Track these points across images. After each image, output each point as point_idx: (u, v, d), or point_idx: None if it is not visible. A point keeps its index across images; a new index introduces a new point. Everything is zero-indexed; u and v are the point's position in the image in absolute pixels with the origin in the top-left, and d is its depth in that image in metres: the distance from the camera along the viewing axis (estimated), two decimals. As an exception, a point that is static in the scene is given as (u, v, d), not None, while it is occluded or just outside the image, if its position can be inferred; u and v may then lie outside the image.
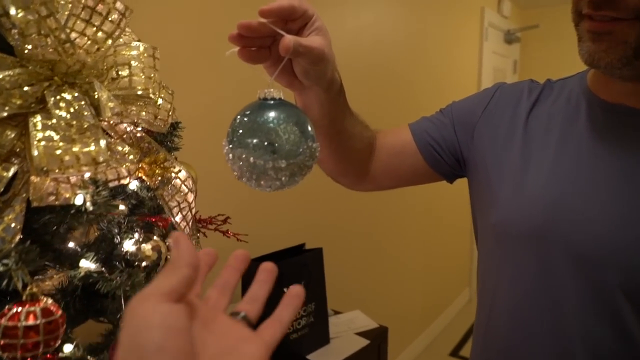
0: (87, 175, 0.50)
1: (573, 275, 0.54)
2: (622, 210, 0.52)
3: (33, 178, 0.47)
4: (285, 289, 0.34)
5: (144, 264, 0.63)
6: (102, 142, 0.48)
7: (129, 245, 0.62)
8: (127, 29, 0.62)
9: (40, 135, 0.45)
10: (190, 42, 1.16)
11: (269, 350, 0.29)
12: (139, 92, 0.55)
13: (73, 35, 0.51)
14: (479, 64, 3.06)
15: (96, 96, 0.50)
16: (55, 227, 0.54)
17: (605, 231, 0.52)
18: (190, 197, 0.67)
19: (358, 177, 0.72)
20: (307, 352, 1.29)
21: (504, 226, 0.61)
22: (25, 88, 0.46)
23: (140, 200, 0.63)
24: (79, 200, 0.48)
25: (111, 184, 0.53)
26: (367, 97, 1.92)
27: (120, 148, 0.54)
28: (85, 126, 0.48)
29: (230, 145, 0.44)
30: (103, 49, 0.53)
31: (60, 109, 0.47)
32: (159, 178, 0.60)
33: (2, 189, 0.47)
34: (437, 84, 2.53)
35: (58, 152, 0.45)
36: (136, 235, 0.62)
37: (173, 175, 0.63)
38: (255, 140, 0.43)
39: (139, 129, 0.62)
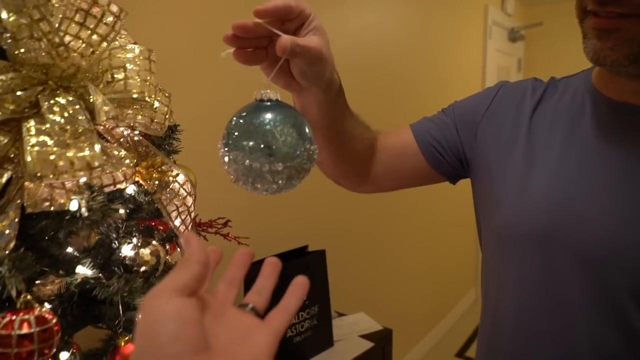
0: (82, 180, 0.49)
1: (578, 276, 0.53)
2: (627, 212, 0.51)
3: (27, 184, 0.46)
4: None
5: (142, 268, 0.62)
6: (97, 147, 0.47)
7: (127, 250, 0.61)
8: (123, 32, 0.61)
9: (33, 140, 0.45)
10: (190, 43, 1.16)
11: (277, 337, 0.30)
12: (135, 96, 0.55)
13: (67, 38, 0.50)
14: (483, 62, 3.04)
15: (91, 100, 0.49)
16: (52, 233, 0.53)
17: (610, 232, 0.51)
18: (189, 200, 0.67)
19: (359, 179, 0.71)
20: (311, 355, 1.28)
21: (507, 228, 0.60)
22: (18, 93, 0.45)
23: (138, 204, 0.62)
24: (73, 206, 0.48)
25: (107, 189, 0.52)
26: (370, 97, 1.91)
27: (116, 152, 0.54)
28: (80, 130, 0.47)
29: (226, 148, 0.43)
30: (98, 52, 0.52)
31: (54, 113, 0.46)
32: (157, 182, 0.59)
33: (-4, 195, 0.46)
34: (441, 83, 2.51)
35: (52, 157, 0.45)
36: (134, 240, 0.62)
37: (171, 179, 0.62)
38: (251, 143, 0.42)
39: (136, 132, 0.61)
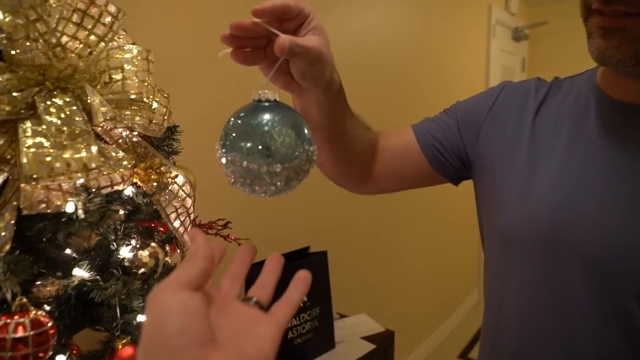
0: (79, 182, 0.48)
1: (581, 278, 0.52)
2: (630, 213, 0.51)
3: (23, 185, 0.46)
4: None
5: (141, 270, 0.62)
6: (94, 148, 0.47)
7: (125, 252, 0.61)
8: (121, 32, 0.61)
9: (30, 141, 0.44)
10: (190, 44, 1.15)
11: (281, 329, 0.31)
12: (133, 96, 0.54)
13: (64, 39, 0.50)
14: (487, 62, 3.02)
15: (88, 101, 0.49)
16: (50, 235, 0.53)
17: (613, 234, 0.51)
18: (189, 202, 0.66)
19: (360, 180, 0.71)
20: (312, 357, 1.27)
21: (510, 230, 0.59)
22: (15, 94, 0.45)
23: (137, 206, 0.62)
24: (70, 208, 0.47)
25: (104, 191, 0.52)
26: (372, 97, 1.90)
27: (114, 154, 0.53)
28: (77, 132, 0.47)
29: (223, 149, 0.42)
30: (95, 53, 0.51)
31: (50, 114, 0.45)
32: (155, 184, 0.58)
33: (-8, 197, 0.46)
34: (444, 83, 2.50)
35: (48, 158, 0.44)
36: (133, 241, 0.61)
37: (170, 180, 0.61)
38: (249, 144, 0.41)
39: (135, 133, 0.60)
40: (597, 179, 0.53)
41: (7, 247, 0.46)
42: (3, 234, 0.46)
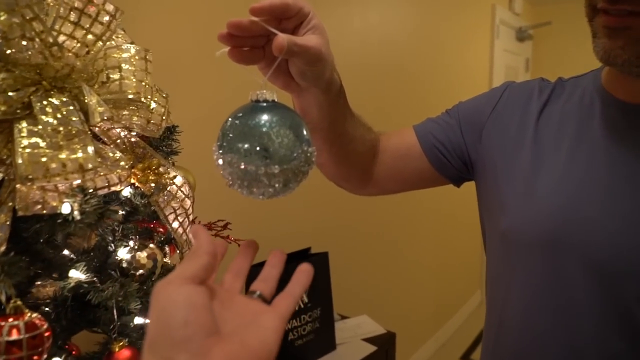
0: (76, 182, 0.48)
1: (584, 280, 0.52)
2: (632, 215, 0.50)
3: (19, 186, 0.45)
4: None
5: (139, 272, 0.61)
6: (90, 149, 0.46)
7: (123, 254, 0.60)
8: (120, 31, 0.60)
9: (25, 142, 0.44)
10: (191, 43, 1.15)
11: (284, 321, 0.32)
12: (130, 96, 0.53)
13: (61, 38, 0.49)
14: (490, 62, 3.01)
15: (86, 101, 0.48)
16: (47, 236, 0.52)
17: (616, 237, 0.50)
18: (187, 203, 0.66)
19: (361, 182, 0.70)
20: (313, 358, 1.27)
21: (513, 232, 0.58)
22: (10, 93, 0.44)
23: (134, 207, 0.61)
24: (65, 209, 0.47)
25: (101, 192, 0.51)
26: (375, 98, 1.89)
27: (111, 154, 0.53)
28: (74, 132, 0.46)
29: (220, 151, 0.42)
30: (93, 52, 0.51)
31: (46, 114, 0.45)
32: (153, 184, 0.58)
33: (-12, 198, 0.46)
34: (447, 83, 2.48)
35: (44, 159, 0.44)
36: (131, 243, 0.61)
37: (168, 181, 0.61)
38: (246, 145, 0.40)
39: (133, 133, 0.60)
40: (600, 181, 0.53)
41: (2, 248, 0.46)
42: (-2, 235, 0.45)
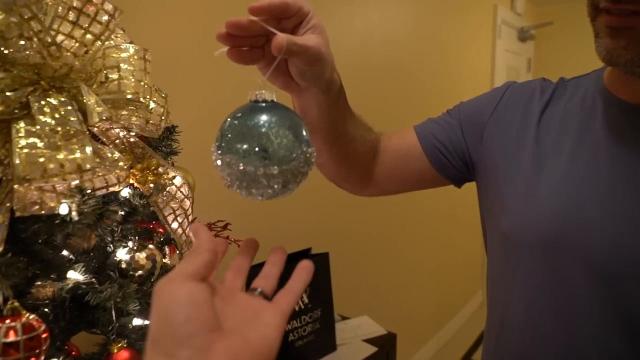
0: (74, 183, 0.47)
1: (585, 281, 0.52)
2: (632, 215, 0.50)
3: (17, 187, 0.45)
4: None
5: (138, 273, 0.61)
6: (88, 149, 0.46)
7: (122, 254, 0.60)
8: (119, 31, 0.60)
9: (23, 142, 0.43)
10: (191, 43, 1.15)
11: (285, 317, 0.32)
12: (129, 96, 0.53)
13: (60, 37, 0.49)
14: (492, 62, 3.00)
15: (84, 101, 0.48)
16: (45, 236, 0.52)
17: (616, 237, 0.50)
18: (187, 203, 0.65)
19: (361, 182, 0.70)
20: (313, 359, 1.26)
21: (514, 234, 0.58)
22: (8, 93, 0.44)
23: (133, 207, 0.61)
24: (63, 210, 0.46)
25: (99, 192, 0.51)
26: (376, 98, 1.89)
27: (109, 154, 0.52)
28: (72, 132, 0.46)
29: (219, 151, 0.41)
30: (92, 52, 0.51)
31: (44, 114, 0.45)
32: (152, 185, 0.57)
33: (-14, 198, 0.45)
34: (449, 83, 2.48)
35: (41, 159, 0.43)
36: (130, 243, 0.60)
37: (167, 181, 0.60)
38: (245, 146, 0.40)
39: (132, 133, 0.60)
40: (602, 181, 0.52)
41: (0, 249, 0.45)
42: (-5, 235, 0.45)
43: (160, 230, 0.73)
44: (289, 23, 0.44)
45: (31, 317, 0.47)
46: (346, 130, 0.59)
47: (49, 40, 0.46)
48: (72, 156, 0.45)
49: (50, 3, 0.49)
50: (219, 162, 0.42)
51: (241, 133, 0.40)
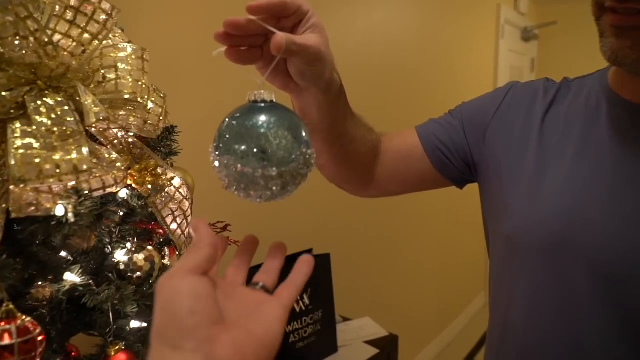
0: (70, 184, 0.47)
1: (587, 282, 0.51)
2: (632, 216, 0.49)
3: (12, 188, 0.45)
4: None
5: (136, 274, 0.60)
6: (85, 150, 0.45)
7: (120, 256, 0.59)
8: (117, 30, 0.59)
9: (18, 142, 0.43)
10: (192, 43, 1.14)
11: (287, 310, 0.33)
12: (126, 96, 0.53)
13: (57, 37, 0.48)
14: (495, 62, 2.98)
15: (81, 101, 0.48)
16: (43, 238, 0.52)
17: (618, 238, 0.49)
18: (186, 204, 0.65)
19: (362, 183, 0.69)
20: (314, 361, 1.26)
21: (517, 237, 0.57)
22: (4, 93, 0.43)
23: (131, 208, 0.60)
24: (59, 211, 0.46)
25: (96, 193, 0.50)
26: (379, 98, 1.88)
27: (107, 155, 0.52)
28: (68, 133, 0.45)
29: (217, 152, 0.41)
30: (89, 51, 0.50)
31: (41, 114, 0.44)
32: (150, 186, 0.57)
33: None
34: (452, 83, 2.47)
35: (37, 160, 0.43)
36: (128, 245, 0.60)
37: (166, 182, 0.60)
38: (243, 147, 0.39)
39: (131, 134, 0.59)
40: (609, 185, 0.52)
41: (-5, 250, 0.45)
42: (-9, 237, 0.44)
43: (160, 231, 0.73)
44: (288, 22, 0.43)
45: (27, 319, 0.46)
46: (346, 130, 0.58)
47: (46, 39, 0.46)
48: (69, 157, 0.44)
49: (47, 2, 0.49)
50: (216, 164, 0.41)
51: (239, 134, 0.40)
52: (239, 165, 0.39)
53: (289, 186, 0.41)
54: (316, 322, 1.25)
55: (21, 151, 0.43)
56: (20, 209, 0.45)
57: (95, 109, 0.47)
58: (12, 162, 0.42)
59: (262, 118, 0.40)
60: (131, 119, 0.55)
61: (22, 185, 0.43)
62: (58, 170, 0.44)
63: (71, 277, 0.52)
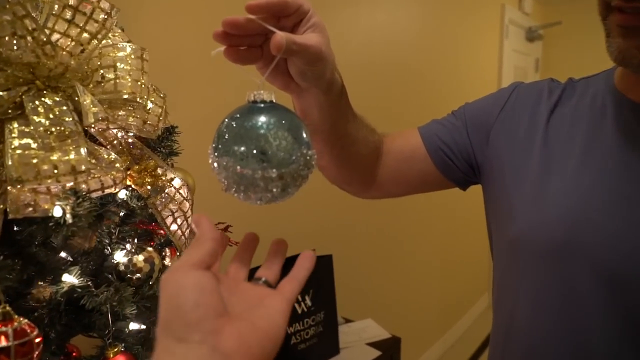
0: (68, 185, 0.46)
1: (591, 286, 0.50)
2: (632, 216, 0.48)
3: (10, 188, 0.44)
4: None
5: (136, 275, 0.60)
6: (83, 150, 0.45)
7: (120, 257, 0.59)
8: (117, 30, 0.59)
9: (16, 143, 0.42)
10: (193, 43, 1.14)
11: (290, 304, 0.33)
12: (125, 96, 0.52)
13: (55, 36, 0.48)
14: (499, 62, 2.97)
15: (80, 101, 0.47)
16: (41, 239, 0.51)
17: (619, 240, 0.49)
18: (186, 205, 0.64)
19: (364, 185, 0.68)
20: (316, 362, 1.25)
21: (522, 239, 0.57)
22: (1, 93, 0.43)
23: (131, 209, 0.60)
24: (57, 212, 0.45)
25: (95, 194, 0.50)
26: (382, 98, 1.87)
27: (106, 155, 0.51)
28: (66, 133, 0.45)
29: (216, 153, 0.40)
30: (88, 51, 0.50)
31: (38, 115, 0.44)
32: (149, 187, 0.56)
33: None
34: (456, 83, 2.46)
35: (34, 160, 0.42)
36: (128, 245, 0.59)
37: (166, 183, 0.59)
38: (242, 148, 0.39)
39: (130, 134, 0.59)
40: (614, 187, 0.51)
41: (-7, 251, 0.44)
42: (-12, 238, 0.44)
43: (161, 232, 0.72)
44: (288, 21, 0.43)
45: (23, 321, 0.46)
46: (348, 131, 0.58)
47: (44, 38, 0.45)
48: (66, 157, 0.44)
49: (45, 0, 0.48)
50: (215, 165, 0.40)
51: (238, 135, 0.39)
52: (238, 167, 0.39)
53: (290, 188, 0.41)
54: (318, 324, 1.25)
55: (19, 151, 0.42)
56: (18, 210, 0.45)
57: (93, 109, 0.47)
58: (10, 163, 0.42)
59: (262, 119, 0.39)
60: (130, 119, 0.55)
61: (19, 186, 0.42)
62: (56, 171, 0.43)
63: (69, 279, 0.52)
